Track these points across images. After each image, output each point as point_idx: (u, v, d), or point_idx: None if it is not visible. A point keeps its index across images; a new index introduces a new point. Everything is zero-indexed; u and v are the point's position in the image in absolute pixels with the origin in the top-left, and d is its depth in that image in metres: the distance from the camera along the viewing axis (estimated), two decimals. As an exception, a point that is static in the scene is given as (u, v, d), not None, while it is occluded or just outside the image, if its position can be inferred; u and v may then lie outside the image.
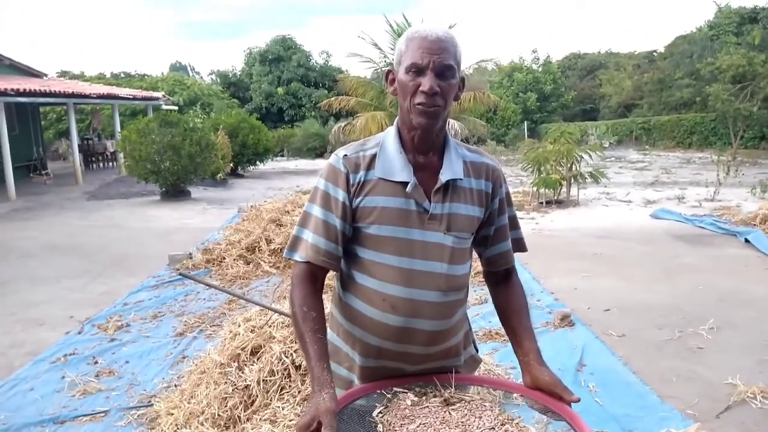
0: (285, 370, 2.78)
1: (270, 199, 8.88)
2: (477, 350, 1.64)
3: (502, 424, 1.23)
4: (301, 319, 1.35)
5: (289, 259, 1.44)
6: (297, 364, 2.78)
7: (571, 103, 34.04)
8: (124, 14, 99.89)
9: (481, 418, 1.26)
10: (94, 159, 19.65)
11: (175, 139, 11.80)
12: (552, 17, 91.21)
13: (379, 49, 15.80)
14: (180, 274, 4.47)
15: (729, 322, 4.39)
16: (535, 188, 10.72)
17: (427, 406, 1.30)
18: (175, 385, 3.38)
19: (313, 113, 30.57)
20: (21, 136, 16.16)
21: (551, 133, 12.60)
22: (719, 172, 11.31)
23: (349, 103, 17.11)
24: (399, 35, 13.12)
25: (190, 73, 39.17)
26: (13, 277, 6.24)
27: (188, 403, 2.89)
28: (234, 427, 2.67)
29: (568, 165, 10.77)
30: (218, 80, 35.79)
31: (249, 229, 6.60)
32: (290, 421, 2.53)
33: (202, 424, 2.71)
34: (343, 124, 18.00)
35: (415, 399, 1.33)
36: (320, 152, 25.53)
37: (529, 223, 8.75)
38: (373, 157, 1.40)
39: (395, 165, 1.39)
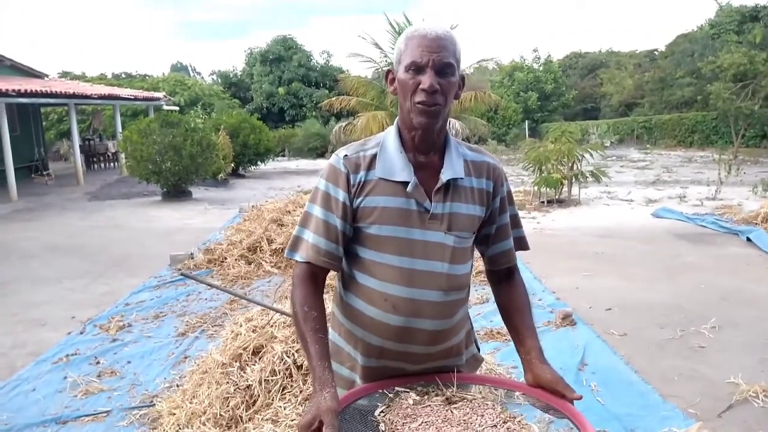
0: (287, 369, 2.78)
1: (271, 199, 8.89)
2: (479, 349, 1.64)
3: (504, 423, 1.23)
4: (302, 319, 1.35)
5: (290, 259, 1.44)
6: (299, 364, 2.78)
7: (572, 102, 34.03)
8: (124, 14, 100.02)
9: (483, 416, 1.26)
10: (95, 159, 19.68)
11: (177, 140, 11.81)
12: (552, 17, 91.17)
13: (380, 48, 15.80)
14: (181, 274, 4.48)
15: (731, 321, 4.39)
16: (536, 187, 10.72)
17: (429, 405, 1.30)
18: (177, 385, 3.39)
19: (314, 113, 30.58)
20: (22, 136, 16.19)
21: (552, 132, 12.59)
22: (720, 171, 11.30)
23: (349, 102, 17.11)
24: (400, 35, 13.11)
25: (191, 74, 39.20)
26: (15, 277, 6.25)
27: (190, 403, 2.89)
28: (236, 426, 2.68)
29: (569, 164, 10.76)
30: (219, 80, 35.80)
31: (250, 229, 6.61)
32: (292, 420, 2.53)
33: (204, 424, 2.71)
34: (344, 124, 18.02)
35: (417, 398, 1.33)
36: (321, 152, 25.53)
37: (531, 223, 8.74)
38: (374, 157, 1.40)
39: (396, 165, 1.39)
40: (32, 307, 5.17)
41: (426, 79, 1.31)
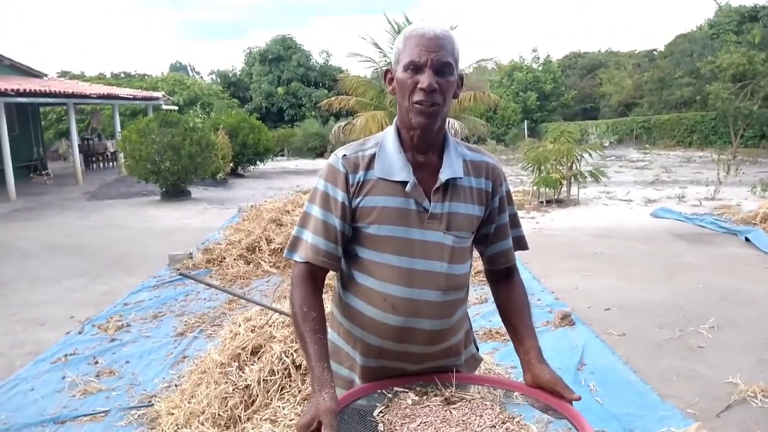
0: (285, 369, 2.78)
1: (270, 198, 8.88)
2: (478, 349, 1.64)
3: (503, 423, 1.23)
4: (301, 319, 1.35)
5: (289, 259, 1.44)
6: (297, 364, 2.78)
7: (571, 102, 34.06)
8: (124, 14, 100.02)
9: (481, 416, 1.26)
10: (94, 159, 19.67)
11: (176, 139, 11.80)
12: (552, 17, 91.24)
13: (379, 48, 15.80)
14: (180, 274, 4.48)
15: (729, 321, 4.39)
16: (535, 187, 10.72)
17: (428, 405, 1.30)
18: (176, 385, 3.38)
19: (313, 113, 30.58)
20: (21, 136, 16.17)
21: (551, 132, 12.60)
22: (719, 171, 11.31)
23: (349, 102, 17.12)
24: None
25: (190, 73, 39.19)
26: (14, 277, 6.24)
27: (189, 402, 2.89)
28: (234, 426, 2.67)
29: (569, 164, 10.76)
30: (218, 80, 35.79)
31: (249, 229, 6.60)
32: (291, 420, 2.53)
33: (203, 424, 2.71)
34: (343, 124, 18.01)
35: (416, 398, 1.33)
36: (320, 152, 25.54)
37: (530, 223, 8.75)
38: (373, 156, 1.40)
39: (394, 164, 1.38)
40: (31, 307, 5.16)
41: (424, 79, 1.31)
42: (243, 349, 2.95)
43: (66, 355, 3.98)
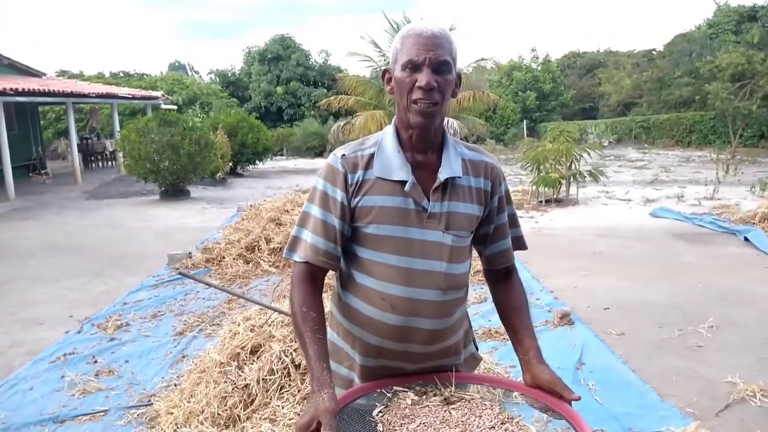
0: (285, 369, 2.78)
1: (269, 198, 8.89)
2: (477, 349, 1.64)
3: (502, 423, 1.23)
4: (301, 319, 1.35)
5: (289, 259, 1.44)
6: (297, 363, 2.78)
7: (570, 102, 34.06)
8: (123, 14, 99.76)
9: (481, 417, 1.26)
10: (93, 158, 19.63)
11: (175, 139, 11.79)
12: (551, 17, 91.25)
13: (378, 48, 15.80)
14: (179, 274, 4.47)
15: (728, 320, 4.40)
16: (534, 187, 10.72)
17: (428, 405, 1.30)
18: (175, 384, 3.38)
19: (312, 112, 30.58)
20: (20, 135, 16.14)
21: (550, 131, 12.59)
22: (718, 171, 11.31)
23: (348, 102, 17.12)
24: (398, 34, 13.09)
25: (189, 73, 39.16)
26: (13, 276, 6.23)
27: (188, 402, 2.88)
28: (234, 426, 2.67)
29: (568, 164, 10.76)
30: (217, 79, 35.78)
31: (248, 228, 6.60)
32: (290, 420, 2.53)
33: (202, 423, 2.70)
34: (342, 123, 18.01)
35: (416, 398, 1.33)
36: (319, 151, 25.53)
37: (529, 222, 8.75)
38: (372, 156, 1.40)
39: (393, 164, 1.38)
40: (30, 306, 5.16)
41: (423, 77, 1.31)
42: (242, 348, 2.95)
43: (65, 355, 3.98)
